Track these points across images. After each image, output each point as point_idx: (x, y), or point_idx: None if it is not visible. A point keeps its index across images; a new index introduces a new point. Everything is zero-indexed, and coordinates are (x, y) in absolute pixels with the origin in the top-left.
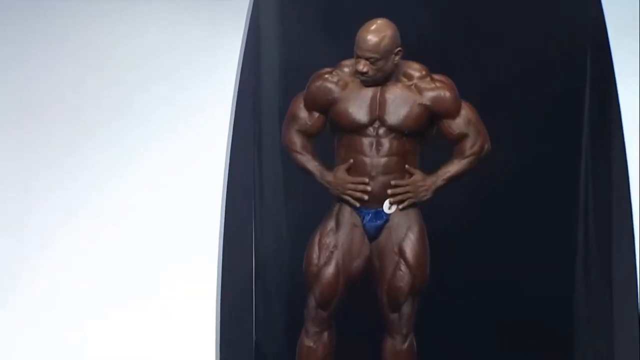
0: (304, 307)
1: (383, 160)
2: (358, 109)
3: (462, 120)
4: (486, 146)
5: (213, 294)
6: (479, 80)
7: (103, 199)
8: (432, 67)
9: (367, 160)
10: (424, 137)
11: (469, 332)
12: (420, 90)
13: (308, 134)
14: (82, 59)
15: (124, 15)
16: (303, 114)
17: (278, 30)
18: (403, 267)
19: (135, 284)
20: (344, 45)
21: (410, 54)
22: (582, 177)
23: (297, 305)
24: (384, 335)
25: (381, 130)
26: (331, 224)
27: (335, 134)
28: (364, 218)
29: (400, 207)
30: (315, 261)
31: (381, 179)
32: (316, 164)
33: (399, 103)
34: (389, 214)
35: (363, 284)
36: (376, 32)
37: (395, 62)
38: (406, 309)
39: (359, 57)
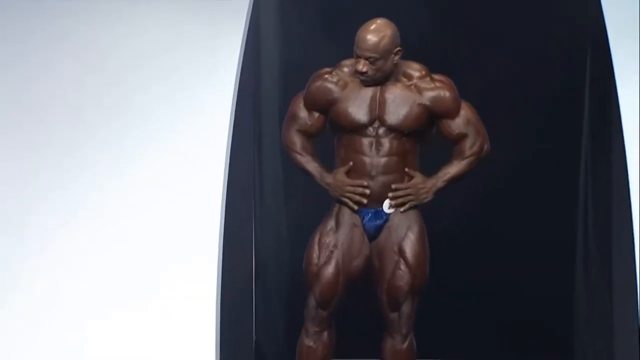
0: (303, 307)
1: (383, 160)
2: (358, 109)
3: (462, 121)
4: (486, 146)
5: (213, 294)
6: (479, 80)
7: (103, 199)
8: (432, 67)
9: (367, 160)
10: (423, 137)
11: (469, 332)
12: (419, 90)
13: (308, 134)
14: (82, 59)
15: (124, 15)
16: (303, 113)
17: (278, 30)
18: (403, 267)
19: (135, 284)
20: (344, 45)
21: (410, 54)
22: (582, 177)
23: (297, 305)
24: (384, 335)
25: (381, 130)
26: (331, 223)
27: (335, 133)
28: (363, 218)
29: (402, 209)
30: (315, 261)
31: (381, 178)
32: (316, 165)
33: (399, 103)
34: (389, 214)
35: (363, 284)
36: (376, 32)
37: (395, 61)
38: (406, 308)
39: (358, 56)
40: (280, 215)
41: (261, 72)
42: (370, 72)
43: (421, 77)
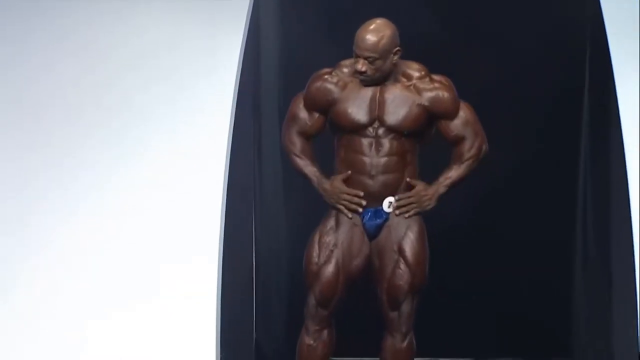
0: (303, 306)
1: (383, 160)
2: (358, 109)
3: (460, 122)
4: (484, 147)
5: (213, 294)
6: (479, 80)
7: (103, 199)
8: (432, 67)
9: (367, 160)
10: (423, 137)
11: (468, 331)
12: (419, 91)
13: (308, 135)
14: (82, 59)
15: (124, 15)
16: (303, 114)
17: (278, 30)
18: (402, 266)
19: (135, 284)
20: (344, 45)
21: (410, 54)
22: (581, 176)
23: (297, 304)
24: (384, 334)
25: (380, 131)
26: (331, 222)
27: (335, 134)
28: (363, 217)
29: (406, 216)
30: (315, 260)
31: (381, 178)
32: (314, 169)
33: (398, 103)
34: (389, 213)
35: (363, 283)
36: (375, 32)
37: (394, 61)
38: (406, 307)
39: (357, 56)
40: (280, 215)
41: (261, 72)
42: (369, 72)
43: (420, 78)
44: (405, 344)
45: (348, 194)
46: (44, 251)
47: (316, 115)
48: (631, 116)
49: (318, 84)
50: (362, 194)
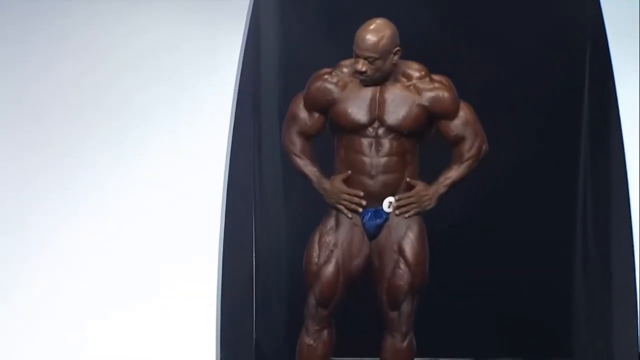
0: (303, 306)
1: (383, 160)
2: (358, 110)
3: (460, 122)
4: (484, 147)
5: (213, 294)
6: (479, 80)
7: (103, 199)
8: (432, 67)
9: (367, 160)
10: (423, 137)
11: (468, 331)
12: (419, 91)
13: (308, 135)
14: (82, 59)
15: (124, 15)
16: (303, 114)
17: (278, 30)
18: (402, 266)
19: (135, 284)
20: (344, 45)
21: (410, 54)
22: (581, 176)
23: (297, 304)
24: (384, 334)
25: (380, 131)
26: (331, 222)
27: (335, 134)
28: (363, 217)
29: (406, 216)
30: (315, 260)
31: (381, 178)
32: (314, 169)
33: (398, 103)
34: (389, 213)
35: (363, 283)
36: (375, 32)
37: (394, 61)
38: (405, 307)
39: (357, 56)
40: (280, 215)
41: (261, 72)
42: (369, 72)
43: (420, 78)
44: (405, 343)
45: (348, 194)
46: (44, 251)
47: (316, 115)
48: (631, 116)
49: (318, 84)
50: (362, 194)
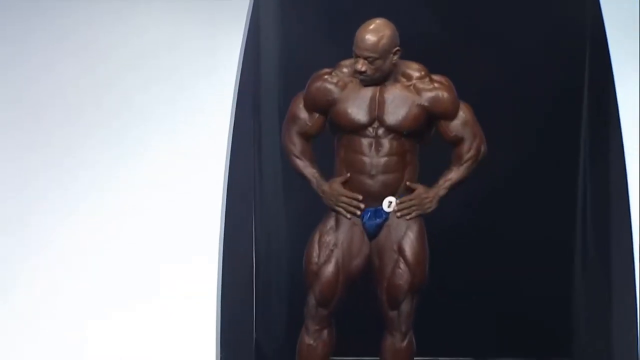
0: (303, 306)
1: (383, 160)
2: (357, 110)
3: (460, 122)
4: (482, 148)
5: (213, 294)
6: (478, 80)
7: (103, 199)
8: (432, 67)
9: (367, 160)
10: (422, 138)
11: (468, 331)
12: (418, 91)
13: (308, 135)
14: (82, 59)
15: (124, 15)
16: (303, 114)
17: (278, 30)
18: (402, 265)
19: (135, 284)
20: (344, 45)
21: (410, 54)
22: (581, 176)
23: (297, 304)
24: (384, 333)
25: (380, 131)
26: (331, 222)
27: (335, 134)
28: (363, 217)
29: (407, 218)
30: (315, 259)
31: (381, 178)
32: (314, 171)
33: (398, 104)
34: (389, 213)
35: (363, 282)
36: (375, 32)
37: (394, 61)
38: (405, 307)
39: (357, 56)
40: (280, 215)
41: (261, 72)
42: (369, 72)
43: (420, 78)
44: (405, 343)
45: (347, 196)
46: (44, 251)
47: (316, 115)
48: (631, 116)
49: (318, 84)
50: (360, 197)
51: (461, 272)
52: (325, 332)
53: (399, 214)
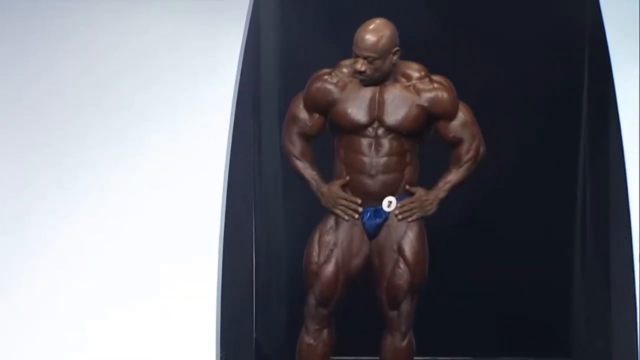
0: (303, 306)
1: (382, 160)
2: (357, 110)
3: (459, 123)
4: (481, 149)
5: (213, 294)
6: (479, 80)
7: (103, 199)
8: (432, 67)
9: (367, 160)
10: (422, 138)
11: (468, 331)
12: (418, 91)
13: (308, 135)
14: (82, 59)
15: (124, 15)
16: (303, 114)
17: (278, 30)
18: (402, 265)
19: (135, 283)
20: (344, 45)
21: (409, 54)
22: (580, 176)
23: (297, 304)
24: (384, 333)
25: (380, 131)
26: (331, 222)
27: (334, 134)
28: (363, 216)
29: (409, 220)
30: (315, 259)
31: (381, 177)
32: (313, 173)
33: (398, 104)
34: (388, 212)
35: (363, 282)
36: (374, 32)
37: (394, 62)
38: (405, 306)
39: (357, 56)
40: (280, 215)
41: (261, 72)
42: (368, 72)
43: (420, 78)
44: (404, 343)
45: (345, 199)
46: (44, 251)
47: (316, 115)
48: (631, 116)
49: (318, 84)
50: (360, 201)
51: (461, 272)
52: (325, 331)
53: (400, 216)
